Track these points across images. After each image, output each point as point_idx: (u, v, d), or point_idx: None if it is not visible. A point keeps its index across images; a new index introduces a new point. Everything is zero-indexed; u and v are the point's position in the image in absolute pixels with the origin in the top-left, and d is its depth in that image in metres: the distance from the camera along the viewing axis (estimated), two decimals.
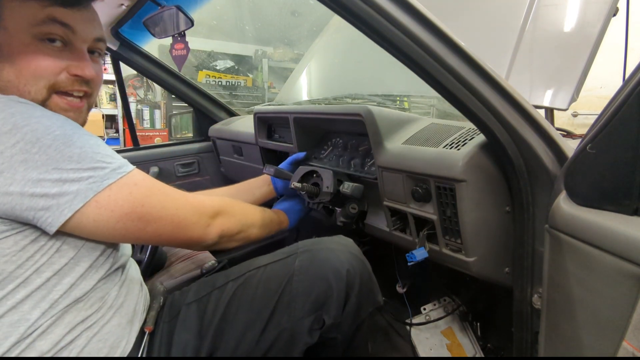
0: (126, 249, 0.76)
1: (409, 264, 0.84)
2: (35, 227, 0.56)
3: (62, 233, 0.58)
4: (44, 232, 0.57)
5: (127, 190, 0.61)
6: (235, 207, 0.81)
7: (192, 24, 1.13)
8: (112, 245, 0.68)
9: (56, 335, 0.60)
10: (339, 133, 1.26)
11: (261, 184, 1.16)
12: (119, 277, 0.71)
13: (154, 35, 1.20)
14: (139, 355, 0.71)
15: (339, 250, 0.82)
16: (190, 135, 2.16)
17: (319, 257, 0.81)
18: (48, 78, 0.63)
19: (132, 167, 0.64)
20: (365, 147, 1.14)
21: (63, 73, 0.64)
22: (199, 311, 0.79)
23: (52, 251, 0.58)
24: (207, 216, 0.72)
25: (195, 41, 3.42)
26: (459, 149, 0.79)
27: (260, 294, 0.79)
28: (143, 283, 0.82)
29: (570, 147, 0.71)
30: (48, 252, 0.58)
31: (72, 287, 0.61)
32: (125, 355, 0.68)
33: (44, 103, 0.63)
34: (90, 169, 0.57)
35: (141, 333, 0.73)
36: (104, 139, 3.81)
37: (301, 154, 1.25)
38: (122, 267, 0.72)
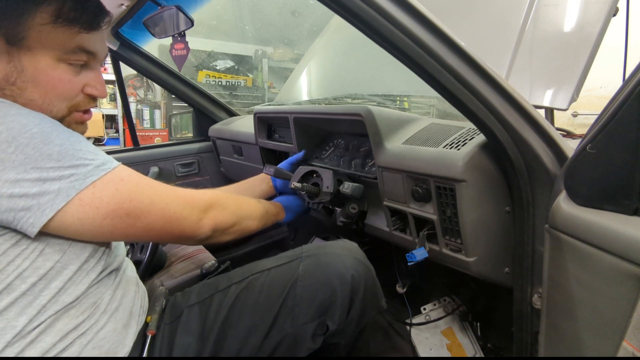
0: (120, 249, 0.74)
1: (409, 264, 0.84)
2: (16, 230, 0.54)
3: (45, 235, 0.56)
4: (25, 235, 0.55)
5: (113, 186, 0.59)
6: (228, 200, 0.78)
7: (192, 24, 1.13)
8: (102, 246, 0.65)
9: (47, 344, 0.57)
10: (341, 134, 1.26)
11: (260, 182, 1.15)
12: (113, 280, 0.68)
13: (154, 35, 1.20)
14: (140, 356, 0.70)
15: (344, 255, 0.81)
16: (190, 135, 2.16)
17: (323, 261, 0.80)
18: (71, 99, 0.66)
19: (117, 163, 0.62)
20: (366, 148, 1.13)
21: (80, 93, 0.67)
22: (201, 314, 0.78)
23: (34, 255, 0.56)
24: (199, 209, 0.70)
25: (195, 41, 3.42)
26: (459, 149, 0.79)
27: (263, 298, 0.78)
28: (140, 283, 0.80)
29: (570, 147, 0.71)
30: (30, 256, 0.56)
31: (61, 291, 0.59)
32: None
33: (63, 119, 0.65)
34: (71, 167, 0.56)
35: (139, 336, 0.71)
36: (104, 139, 3.82)
37: (300, 154, 1.24)
38: (117, 269, 0.70)
